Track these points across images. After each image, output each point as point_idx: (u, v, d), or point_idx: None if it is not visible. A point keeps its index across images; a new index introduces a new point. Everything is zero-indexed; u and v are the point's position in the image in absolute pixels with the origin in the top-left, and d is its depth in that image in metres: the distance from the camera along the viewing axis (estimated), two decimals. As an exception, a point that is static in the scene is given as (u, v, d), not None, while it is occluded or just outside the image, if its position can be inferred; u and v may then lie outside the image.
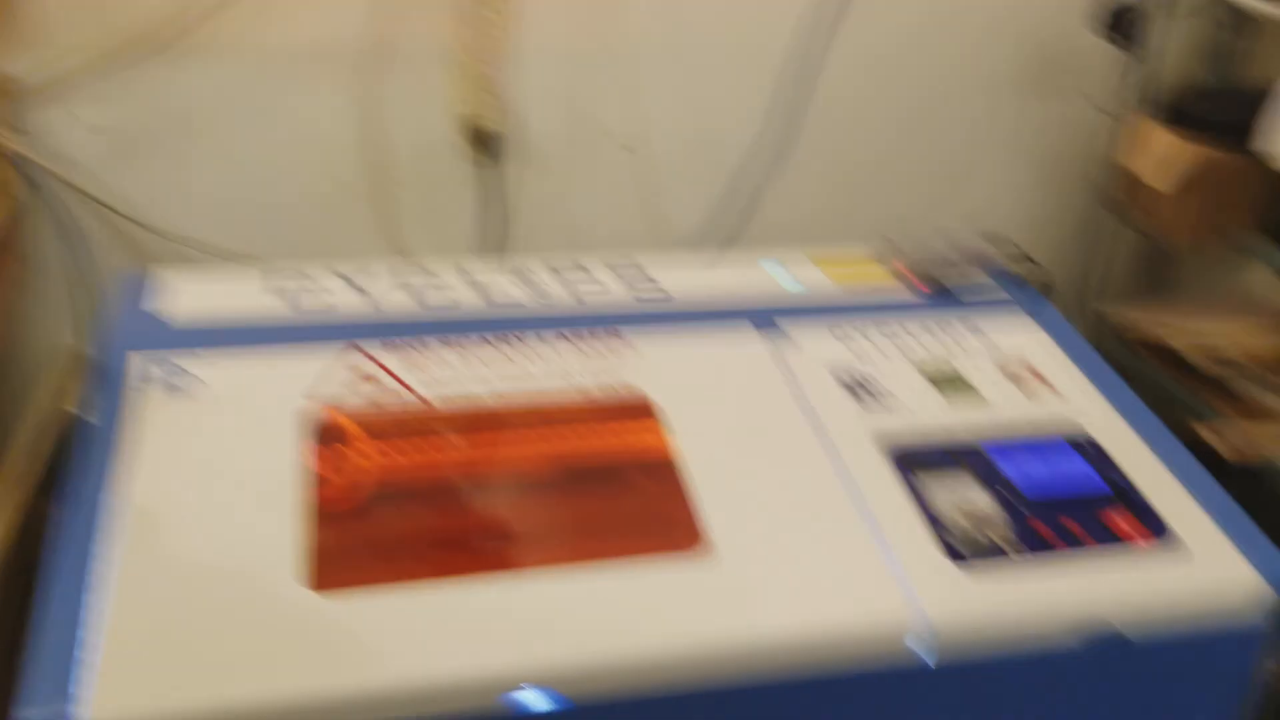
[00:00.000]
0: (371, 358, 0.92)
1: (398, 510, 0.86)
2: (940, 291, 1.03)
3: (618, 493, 0.85)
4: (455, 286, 1.02)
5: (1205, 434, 1.16)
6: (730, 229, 1.34)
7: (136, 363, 0.89)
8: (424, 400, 0.88)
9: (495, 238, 1.29)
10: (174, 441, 0.81)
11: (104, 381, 0.87)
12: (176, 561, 0.72)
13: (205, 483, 0.78)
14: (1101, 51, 1.31)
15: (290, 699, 0.64)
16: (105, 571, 0.71)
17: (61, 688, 0.63)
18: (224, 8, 1.15)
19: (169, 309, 0.96)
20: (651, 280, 1.04)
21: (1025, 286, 1.04)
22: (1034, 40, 1.34)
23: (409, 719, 0.65)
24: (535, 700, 0.66)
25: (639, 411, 0.88)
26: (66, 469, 0.97)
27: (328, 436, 0.84)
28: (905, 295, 1.03)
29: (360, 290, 1.00)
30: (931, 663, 0.70)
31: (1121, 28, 1.25)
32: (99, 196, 1.19)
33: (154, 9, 1.14)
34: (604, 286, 1.03)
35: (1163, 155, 1.27)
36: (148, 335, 0.92)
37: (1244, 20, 1.32)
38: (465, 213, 1.28)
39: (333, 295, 1.00)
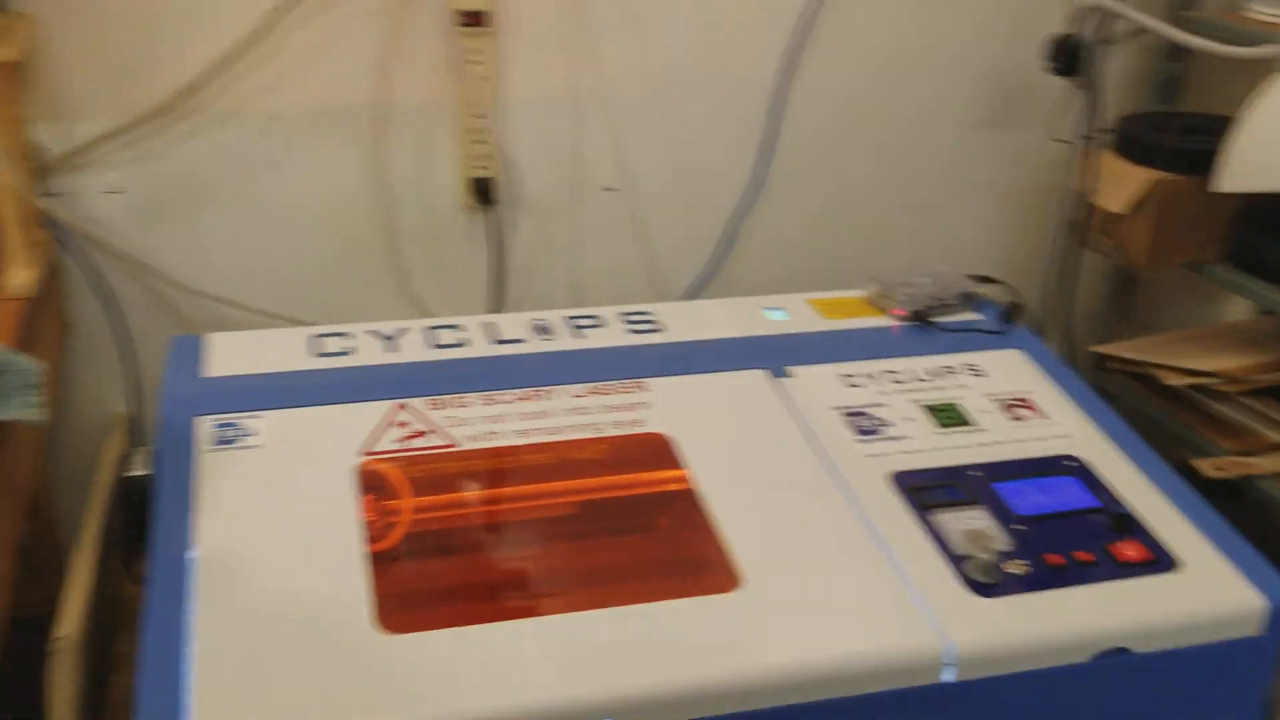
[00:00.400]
0: (413, 412, 1.00)
1: (447, 556, 0.95)
2: (930, 328, 1.14)
3: (650, 533, 0.94)
4: (482, 342, 1.11)
5: (1197, 463, 1.27)
6: (711, 264, 1.44)
7: (198, 423, 0.97)
8: (464, 452, 0.97)
9: (497, 281, 1.37)
10: (240, 496, 0.90)
11: (170, 443, 0.95)
12: (252, 607, 0.80)
13: (271, 533, 0.87)
14: (1058, 83, 1.42)
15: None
16: (193, 612, 0.79)
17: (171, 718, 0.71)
18: (237, 77, 1.23)
19: (221, 370, 1.04)
20: (662, 329, 1.14)
21: (1010, 319, 1.15)
22: (995, 75, 1.45)
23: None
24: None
25: (662, 454, 0.97)
26: (132, 529, 1.05)
27: (378, 487, 0.93)
28: (898, 333, 1.14)
29: (396, 348, 1.09)
30: (952, 683, 0.80)
31: (1064, 58, 1.36)
32: (135, 253, 1.25)
33: (171, 79, 1.21)
34: (620, 337, 1.12)
35: (1114, 179, 1.39)
36: (205, 396, 1.00)
37: (1180, 49, 1.44)
38: (468, 259, 1.37)
39: (371, 353, 1.08)
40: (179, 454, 0.94)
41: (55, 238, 1.23)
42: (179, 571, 0.82)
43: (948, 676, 0.80)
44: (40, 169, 1.21)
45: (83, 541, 0.98)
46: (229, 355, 1.08)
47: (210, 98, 1.23)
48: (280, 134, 1.27)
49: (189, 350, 1.08)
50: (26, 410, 0.92)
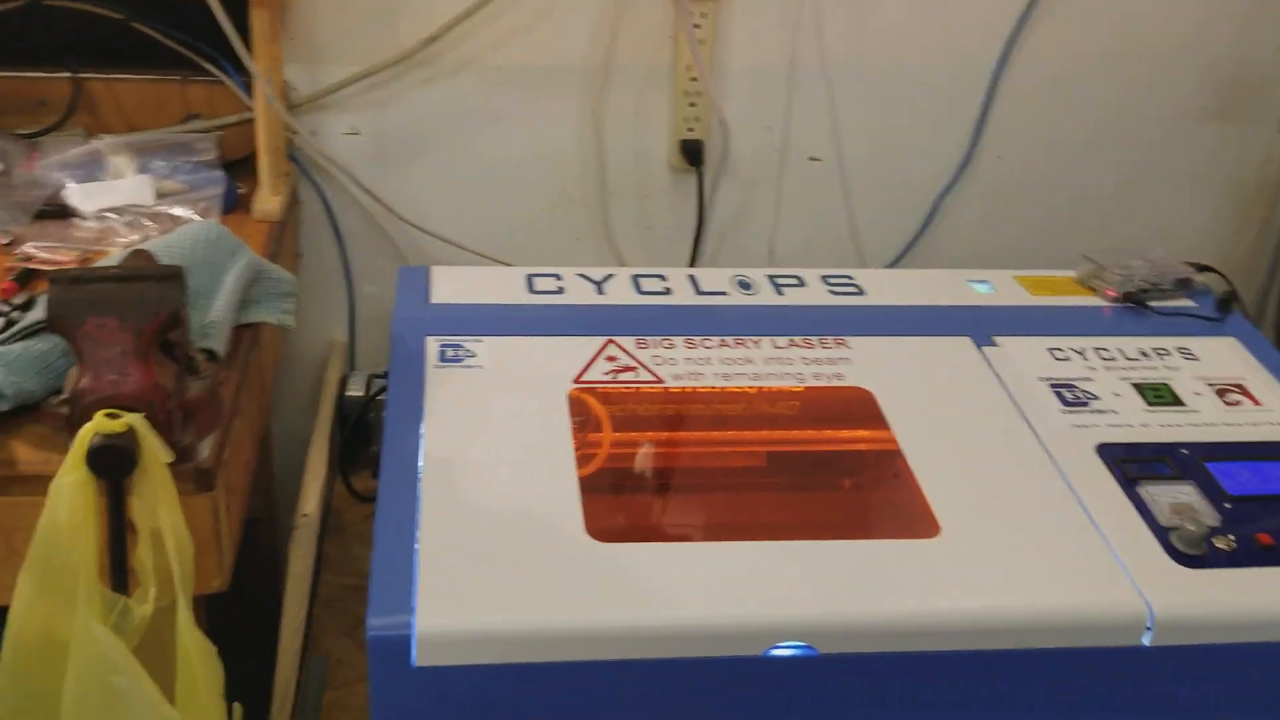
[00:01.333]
0: (621, 348, 1.07)
1: (652, 483, 1.01)
2: (1143, 310, 1.14)
3: (852, 480, 0.98)
4: (686, 292, 1.17)
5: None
6: (912, 240, 1.46)
7: (427, 342, 1.05)
8: (670, 389, 1.02)
9: (697, 241, 1.43)
10: (464, 409, 0.97)
11: (401, 359, 1.04)
12: (473, 504, 0.87)
13: (491, 444, 0.94)
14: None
15: (577, 628, 0.78)
16: (420, 511, 0.86)
17: (401, 604, 0.78)
18: (472, 32, 1.32)
19: (445, 298, 1.13)
20: (864, 293, 1.17)
21: (1226, 308, 1.14)
22: (1226, 64, 1.42)
23: (675, 658, 0.79)
24: (789, 650, 0.79)
25: (864, 409, 1.01)
26: (348, 445, 1.15)
27: (589, 416, 1.00)
28: (1108, 312, 1.15)
29: (603, 291, 1.16)
30: (1149, 647, 0.81)
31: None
32: (371, 192, 1.36)
33: (414, 30, 1.31)
34: (821, 297, 1.16)
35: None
36: (433, 320, 1.09)
37: None
38: (671, 218, 1.43)
39: (580, 294, 1.16)
40: (410, 370, 1.02)
41: (297, 171, 1.35)
42: (409, 474, 0.90)
43: (1146, 640, 0.81)
44: (290, 107, 1.33)
45: (315, 443, 1.09)
46: (451, 286, 1.16)
47: (446, 49, 1.33)
48: (506, 88, 1.36)
49: (416, 280, 1.17)
50: (280, 315, 1.03)
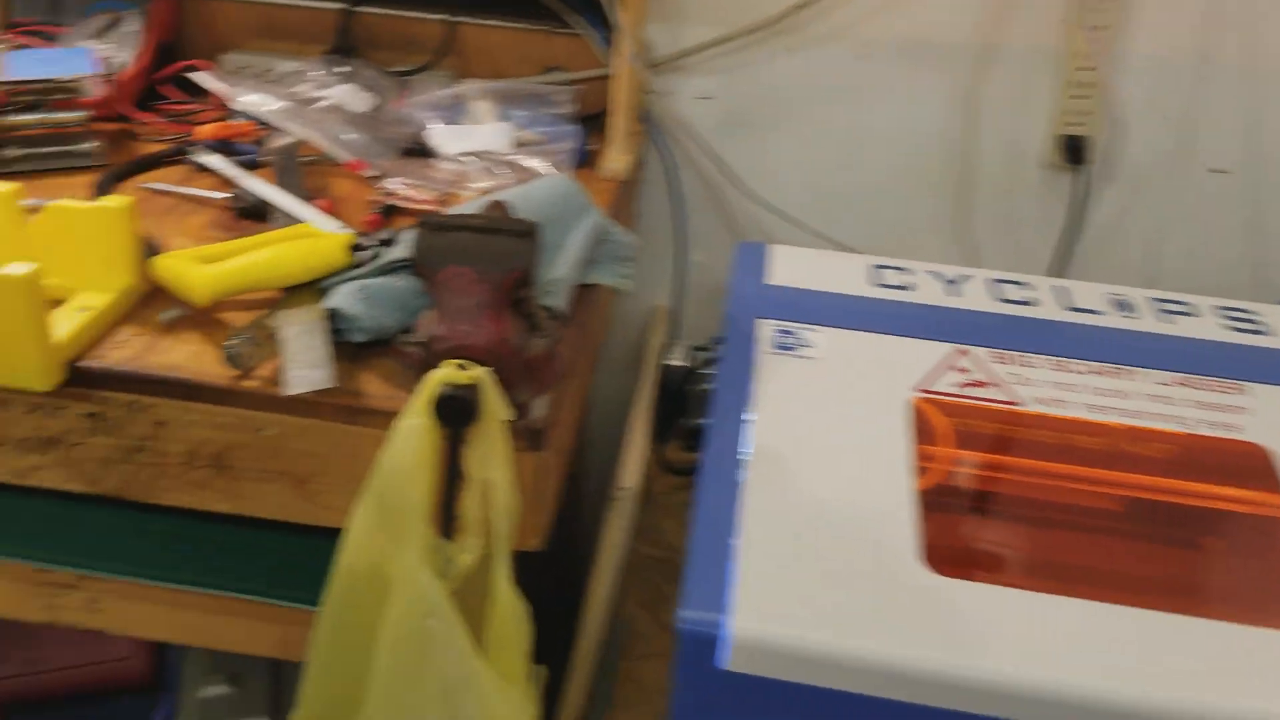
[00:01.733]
0: (975, 360, 0.99)
1: (995, 514, 0.93)
2: None
3: (1229, 546, 0.86)
4: (1052, 305, 1.07)
5: None
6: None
7: (760, 325, 1.02)
8: (1027, 413, 0.94)
9: (1065, 247, 1.31)
10: (795, 401, 0.93)
11: (734, 339, 1.01)
12: (798, 505, 0.83)
13: (821, 444, 0.89)
14: None
15: (905, 664, 0.72)
16: (742, 505, 0.82)
17: (716, 602, 0.75)
18: (838, 2, 1.26)
19: (783, 280, 1.09)
20: (1270, 333, 1.03)
21: None
22: None
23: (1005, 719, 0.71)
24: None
25: (1256, 468, 0.88)
26: (665, 415, 1.14)
27: (930, 429, 0.93)
28: None
29: (958, 293, 1.08)
30: None
31: None
32: (718, 158, 1.34)
33: (777, -2, 1.27)
34: (1215, 331, 1.03)
35: None
36: (768, 301, 1.06)
37: None
38: (1038, 219, 1.32)
39: (931, 293, 1.08)
40: (741, 352, 0.99)
41: (646, 132, 1.35)
42: (732, 464, 0.87)
43: None
44: (647, 66, 1.32)
45: (636, 415, 1.08)
46: (790, 267, 1.12)
47: (815, 17, 1.28)
48: (872, 62, 1.29)
49: (754, 257, 1.14)
50: (618, 278, 1.02)
